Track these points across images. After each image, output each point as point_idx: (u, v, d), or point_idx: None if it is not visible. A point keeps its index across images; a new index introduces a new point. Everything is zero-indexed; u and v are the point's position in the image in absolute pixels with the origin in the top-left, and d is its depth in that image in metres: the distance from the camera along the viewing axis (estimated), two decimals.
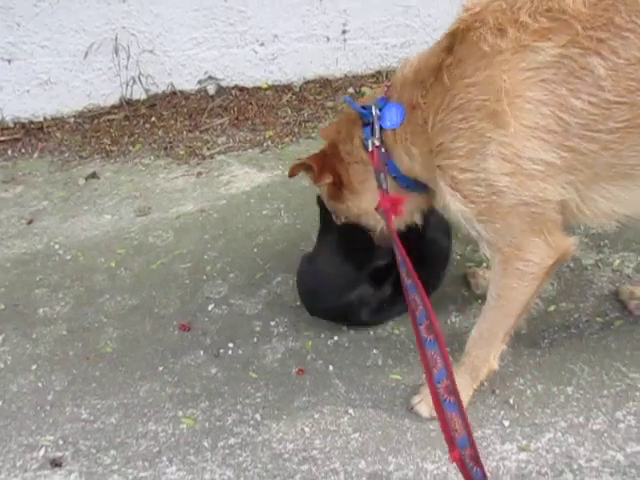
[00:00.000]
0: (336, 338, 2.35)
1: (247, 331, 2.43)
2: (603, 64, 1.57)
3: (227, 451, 2.02)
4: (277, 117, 3.67)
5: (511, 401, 2.07)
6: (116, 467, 2.01)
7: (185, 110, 3.75)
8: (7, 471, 2.02)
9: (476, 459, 1.44)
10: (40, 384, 2.30)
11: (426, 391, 1.94)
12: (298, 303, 2.45)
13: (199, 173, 3.36)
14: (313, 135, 3.49)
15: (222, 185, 3.25)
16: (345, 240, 2.28)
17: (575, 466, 1.88)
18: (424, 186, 1.99)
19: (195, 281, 2.67)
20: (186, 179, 3.34)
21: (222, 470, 1.97)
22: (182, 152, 3.52)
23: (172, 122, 3.70)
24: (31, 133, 3.73)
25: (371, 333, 2.36)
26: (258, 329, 2.43)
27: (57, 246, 2.96)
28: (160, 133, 3.66)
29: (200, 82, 3.82)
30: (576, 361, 2.17)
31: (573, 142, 1.65)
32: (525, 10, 1.64)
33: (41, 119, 3.77)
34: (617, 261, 2.52)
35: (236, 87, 3.83)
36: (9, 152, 3.66)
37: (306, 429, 2.06)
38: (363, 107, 1.97)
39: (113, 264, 2.82)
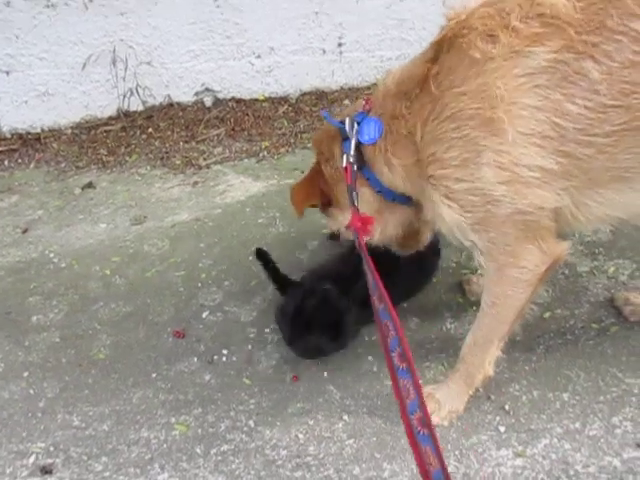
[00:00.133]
0: None
1: (241, 338, 2.41)
2: (597, 68, 1.57)
3: (220, 458, 2.00)
4: (273, 128, 3.69)
5: (507, 407, 2.06)
6: (107, 474, 1.98)
7: (182, 121, 3.76)
8: None
9: None
10: (32, 391, 2.28)
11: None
12: None
13: (195, 183, 3.36)
14: (309, 146, 3.49)
15: (218, 194, 3.25)
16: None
17: (572, 472, 1.86)
18: (410, 198, 1.98)
19: (190, 288, 2.66)
20: (182, 188, 3.34)
21: (214, 477, 1.95)
22: (178, 162, 3.53)
23: (169, 133, 3.71)
24: (28, 144, 3.73)
25: (366, 339, 2.34)
26: (252, 336, 2.42)
27: (52, 254, 2.95)
28: (157, 144, 3.67)
29: (197, 94, 3.84)
30: (572, 367, 2.16)
31: (569, 147, 1.64)
32: (515, 15, 1.62)
33: (38, 130, 3.77)
34: (612, 268, 2.52)
35: (233, 99, 3.85)
36: (6, 162, 3.66)
37: (300, 435, 2.04)
38: (341, 122, 1.96)
39: (108, 272, 2.81)
